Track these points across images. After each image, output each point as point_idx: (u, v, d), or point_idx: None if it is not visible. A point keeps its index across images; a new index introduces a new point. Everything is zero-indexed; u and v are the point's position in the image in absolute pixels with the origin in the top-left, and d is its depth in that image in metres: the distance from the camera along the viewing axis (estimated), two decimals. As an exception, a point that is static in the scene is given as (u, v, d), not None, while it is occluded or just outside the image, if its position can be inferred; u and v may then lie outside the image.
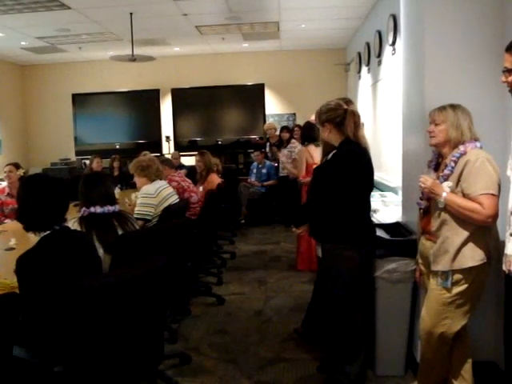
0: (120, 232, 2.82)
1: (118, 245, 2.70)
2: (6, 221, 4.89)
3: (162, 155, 9.15)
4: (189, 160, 8.82)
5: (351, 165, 2.79)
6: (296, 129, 8.27)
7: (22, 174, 5.35)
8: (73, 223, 2.68)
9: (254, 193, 8.34)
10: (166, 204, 4.13)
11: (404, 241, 3.08)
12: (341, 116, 2.84)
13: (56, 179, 2.38)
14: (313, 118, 5.98)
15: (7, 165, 5.45)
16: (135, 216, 3.91)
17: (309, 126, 5.19)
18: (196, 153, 6.44)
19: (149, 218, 3.99)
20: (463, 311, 2.48)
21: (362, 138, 2.88)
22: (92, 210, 2.77)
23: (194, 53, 10.03)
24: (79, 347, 2.08)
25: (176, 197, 4.37)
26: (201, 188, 5.63)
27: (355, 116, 2.85)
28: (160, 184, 4.25)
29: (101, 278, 2.23)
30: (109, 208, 2.81)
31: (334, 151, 2.90)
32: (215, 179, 6.08)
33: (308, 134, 5.19)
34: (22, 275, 2.11)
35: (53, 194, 2.27)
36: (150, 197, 4.07)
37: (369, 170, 2.89)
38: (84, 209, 2.79)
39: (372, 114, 7.21)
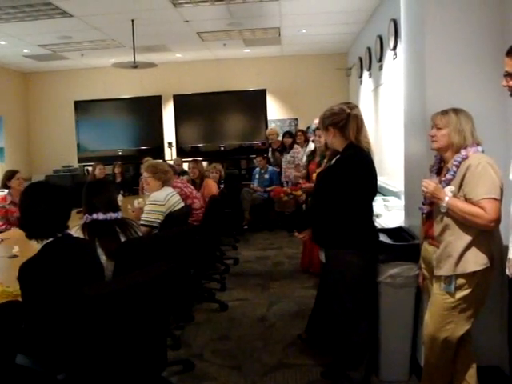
0: (123, 239, 2.82)
1: (121, 252, 2.70)
2: (12, 229, 4.90)
3: (165, 161, 9.16)
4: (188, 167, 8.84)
5: (355, 170, 2.78)
6: (299, 134, 8.28)
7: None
8: (75, 230, 2.68)
9: (257, 198, 8.34)
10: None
11: (407, 245, 3.07)
12: (344, 120, 2.84)
13: (57, 187, 2.38)
14: (316, 121, 5.95)
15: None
16: (143, 223, 3.91)
17: None
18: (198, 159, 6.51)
19: (156, 225, 3.96)
20: (467, 316, 2.47)
21: (366, 142, 2.88)
22: (94, 216, 2.77)
23: (196, 59, 10.05)
24: (82, 354, 2.08)
25: (183, 204, 4.37)
26: (198, 194, 5.64)
27: (358, 119, 2.85)
28: (169, 191, 4.26)
29: (104, 286, 2.24)
30: (111, 215, 2.81)
31: (337, 156, 2.90)
32: (212, 185, 6.12)
33: None
34: (24, 282, 2.11)
35: (54, 201, 2.28)
36: (159, 204, 4.07)
37: (373, 175, 2.89)
38: (86, 216, 2.80)
39: (374, 119, 7.21)
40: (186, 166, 8.62)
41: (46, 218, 2.24)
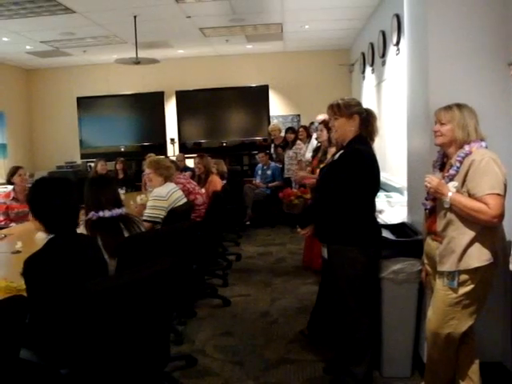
0: (126, 235, 2.82)
1: (123, 247, 2.70)
2: (11, 224, 4.92)
3: (167, 157, 9.16)
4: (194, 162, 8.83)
5: (358, 166, 2.78)
6: (301, 130, 8.26)
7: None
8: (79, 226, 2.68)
9: (259, 194, 8.34)
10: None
11: (410, 241, 3.07)
12: (365, 114, 2.95)
13: (70, 181, 2.40)
14: (319, 117, 5.89)
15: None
16: (145, 218, 3.92)
17: None
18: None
19: (159, 220, 3.96)
20: (470, 312, 2.47)
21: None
22: (101, 214, 2.77)
23: (198, 55, 10.04)
24: (86, 349, 2.08)
25: (185, 200, 4.38)
26: (203, 190, 5.65)
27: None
28: (171, 187, 4.26)
29: (107, 281, 2.24)
30: (116, 211, 2.82)
31: (340, 151, 2.90)
32: (217, 180, 6.11)
33: None
34: (29, 277, 2.12)
35: (71, 195, 2.31)
36: (162, 199, 4.06)
37: (376, 170, 2.89)
38: (93, 213, 2.80)
39: (377, 115, 7.19)
40: (188, 162, 8.64)
41: (69, 211, 2.28)
